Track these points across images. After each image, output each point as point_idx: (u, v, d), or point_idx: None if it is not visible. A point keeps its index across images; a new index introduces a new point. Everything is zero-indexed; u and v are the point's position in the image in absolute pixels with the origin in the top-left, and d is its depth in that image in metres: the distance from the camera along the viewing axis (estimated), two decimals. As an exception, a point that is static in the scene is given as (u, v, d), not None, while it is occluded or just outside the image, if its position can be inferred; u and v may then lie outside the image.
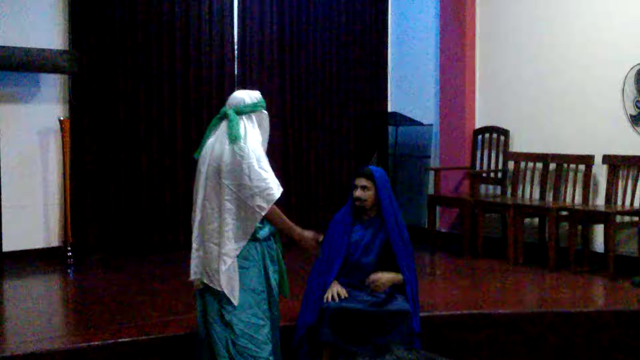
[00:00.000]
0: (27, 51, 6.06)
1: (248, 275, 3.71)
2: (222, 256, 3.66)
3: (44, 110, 6.39)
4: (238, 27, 7.20)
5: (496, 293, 5.62)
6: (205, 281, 3.72)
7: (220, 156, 3.70)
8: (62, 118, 6.34)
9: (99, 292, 5.40)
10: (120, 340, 4.06)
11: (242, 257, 3.70)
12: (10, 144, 6.20)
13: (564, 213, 6.24)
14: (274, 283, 3.84)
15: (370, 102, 8.15)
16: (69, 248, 6.33)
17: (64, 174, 6.36)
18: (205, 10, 6.99)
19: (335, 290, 4.12)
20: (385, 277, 4.11)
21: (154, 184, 6.81)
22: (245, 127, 3.74)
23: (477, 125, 7.39)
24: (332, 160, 7.84)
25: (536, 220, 6.67)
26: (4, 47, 5.99)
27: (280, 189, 3.70)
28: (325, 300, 4.10)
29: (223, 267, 3.66)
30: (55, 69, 6.21)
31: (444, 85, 7.56)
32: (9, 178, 6.18)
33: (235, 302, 3.67)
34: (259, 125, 3.83)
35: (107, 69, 6.59)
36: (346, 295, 4.11)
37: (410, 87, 8.05)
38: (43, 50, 6.14)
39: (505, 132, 7.12)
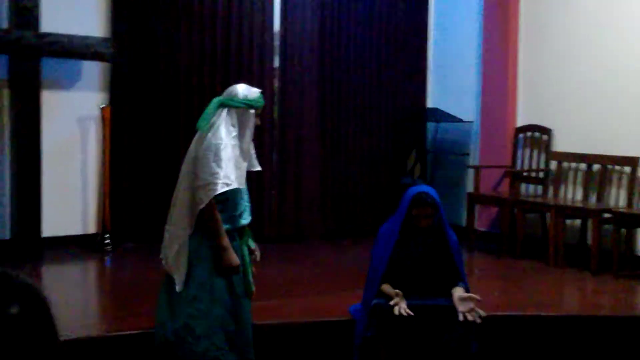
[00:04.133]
0: (70, 38, 6.07)
1: (197, 268, 3.74)
2: (171, 241, 3.77)
3: (85, 97, 6.41)
4: (279, 19, 7.16)
5: (537, 295, 5.51)
6: (162, 262, 3.82)
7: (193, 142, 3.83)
8: (103, 106, 6.35)
9: (137, 279, 5.40)
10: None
11: (194, 249, 3.74)
12: (52, 131, 6.21)
13: (607, 215, 6.12)
14: (237, 280, 3.81)
15: (410, 98, 8.05)
16: (107, 235, 6.34)
17: (103, 161, 6.37)
18: (247, 0, 6.95)
19: (404, 308, 4.01)
20: (464, 300, 4.05)
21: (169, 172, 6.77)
22: (221, 120, 3.77)
23: (519, 124, 7.26)
24: (371, 157, 7.75)
25: (578, 222, 6.54)
26: (47, 34, 6.00)
27: (228, 187, 3.67)
28: (395, 310, 4.01)
29: (170, 252, 3.76)
30: (96, 57, 6.22)
31: (485, 82, 7.44)
32: (50, 164, 6.20)
33: (178, 288, 3.72)
34: (239, 123, 3.82)
35: (148, 56, 6.58)
36: (412, 314, 4.00)
37: (451, 84, 7.94)
38: (85, 37, 6.15)
39: (547, 131, 6.99)
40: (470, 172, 7.41)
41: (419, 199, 4.20)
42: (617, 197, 6.36)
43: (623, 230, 6.05)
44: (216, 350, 3.74)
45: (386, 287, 4.16)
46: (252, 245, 4.01)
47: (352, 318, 4.40)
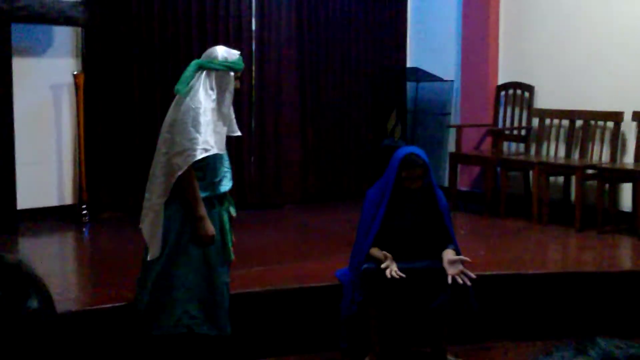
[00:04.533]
0: (41, 3, 5.86)
1: (178, 237, 3.67)
2: (147, 209, 3.69)
3: (58, 64, 6.21)
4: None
5: (522, 253, 5.50)
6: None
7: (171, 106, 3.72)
8: (76, 72, 6.17)
9: (117, 251, 5.29)
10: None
11: (171, 217, 3.66)
12: (24, 99, 6.01)
13: (591, 171, 6.08)
14: (213, 248, 3.72)
15: (389, 58, 7.93)
16: (84, 206, 6.21)
17: (78, 130, 6.21)
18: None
19: (395, 271, 3.96)
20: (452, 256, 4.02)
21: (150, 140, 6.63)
22: (200, 83, 3.66)
23: (500, 81, 7.18)
24: (351, 119, 7.64)
25: (561, 179, 6.51)
26: (16, -2, 5.79)
27: (207, 153, 3.58)
28: (387, 273, 3.95)
29: (146, 220, 3.68)
30: (68, 22, 6.02)
31: (465, 40, 7.33)
32: (23, 134, 6.01)
33: (150, 256, 3.65)
34: (218, 86, 3.71)
35: (121, 21, 6.38)
36: (403, 276, 3.95)
37: (431, 42, 7.81)
38: (57, 2, 5.93)
39: (529, 88, 6.92)
40: (452, 132, 7.33)
41: (409, 161, 4.12)
42: (601, 153, 6.32)
43: (607, 185, 6.02)
44: (189, 318, 3.68)
45: (375, 251, 4.09)
46: (233, 212, 3.91)
47: (340, 283, 4.34)
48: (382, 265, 3.95)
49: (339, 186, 7.53)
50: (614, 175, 5.98)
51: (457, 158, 7.02)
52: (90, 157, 6.30)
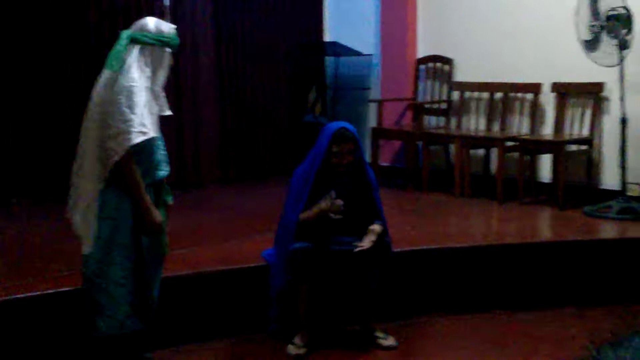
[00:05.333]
0: None
1: (114, 227, 3.37)
2: (77, 197, 3.37)
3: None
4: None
5: (445, 227, 5.48)
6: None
7: (98, 85, 3.35)
8: (-25, 50, 5.79)
9: (24, 239, 4.98)
10: (63, 289, 3.73)
11: (109, 206, 3.35)
12: None
13: (511, 143, 6.11)
14: (144, 240, 3.47)
15: (307, 33, 7.78)
16: (-11, 192, 5.85)
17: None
18: None
19: (333, 205, 3.93)
20: (375, 232, 4.00)
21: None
22: (133, 58, 3.33)
23: (420, 55, 7.14)
24: (270, 96, 7.47)
25: (482, 151, 6.53)
26: None
27: (144, 137, 3.29)
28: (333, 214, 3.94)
29: (76, 210, 3.36)
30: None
31: (384, 13, 7.25)
32: None
33: (86, 250, 3.36)
34: (153, 62, 3.39)
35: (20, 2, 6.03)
36: (341, 202, 3.95)
37: (349, 16, 7.69)
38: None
39: (449, 61, 6.90)
40: (373, 107, 7.26)
41: (341, 135, 4.02)
42: (520, 125, 6.36)
43: (527, 157, 6.06)
44: (131, 316, 3.44)
45: (305, 214, 3.99)
46: (170, 200, 3.64)
47: (267, 263, 4.20)
48: (332, 216, 3.93)
49: (260, 165, 7.38)
50: (533, 147, 6.02)
51: (379, 133, 6.96)
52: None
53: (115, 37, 3.44)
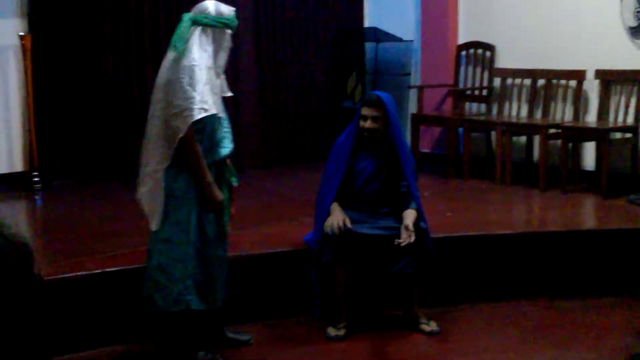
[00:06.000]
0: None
1: (177, 207, 3.45)
2: (145, 176, 3.46)
3: (3, 25, 5.90)
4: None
5: (487, 215, 5.44)
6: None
7: (163, 66, 3.46)
8: (22, 34, 5.87)
9: (73, 219, 5.08)
10: (107, 270, 3.79)
11: (173, 186, 3.43)
12: (-33, 63, 5.72)
13: (554, 131, 6.05)
14: (206, 221, 3.53)
15: (347, 19, 7.75)
16: (35, 173, 5.95)
17: (27, 93, 5.92)
18: None
19: (338, 220, 3.91)
20: (411, 222, 3.93)
21: (123, 104, 6.40)
22: (196, 39, 3.43)
23: (461, 41, 7.08)
24: (310, 82, 7.47)
25: (524, 139, 6.47)
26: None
27: (205, 113, 3.36)
28: (325, 228, 3.93)
29: (144, 189, 3.45)
30: (12, -20, 5.72)
31: (425, -1, 7.20)
32: (-33, 99, 5.74)
33: (154, 227, 3.44)
34: (214, 43, 3.49)
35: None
36: (349, 226, 3.92)
37: (389, 2, 7.65)
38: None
39: (490, 48, 6.83)
40: (413, 93, 7.22)
41: (368, 98, 4.12)
42: (563, 112, 6.29)
43: (570, 145, 6.00)
44: (187, 294, 3.49)
45: (335, 207, 4.00)
46: (234, 182, 3.69)
47: (309, 247, 4.22)
48: (326, 224, 3.92)
49: (299, 150, 7.40)
50: (577, 134, 5.95)
51: (419, 119, 6.93)
52: (40, 122, 6.03)
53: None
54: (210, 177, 3.47)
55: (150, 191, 3.45)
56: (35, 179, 5.94)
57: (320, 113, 7.55)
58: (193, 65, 3.37)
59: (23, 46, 5.85)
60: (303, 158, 7.35)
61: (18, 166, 6.08)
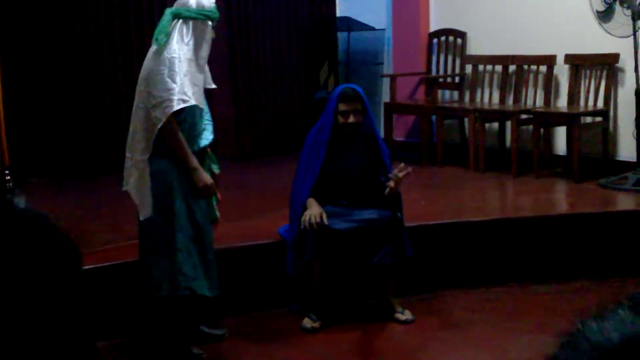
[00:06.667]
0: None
1: (167, 195, 3.52)
2: (130, 168, 3.54)
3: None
4: None
5: (461, 201, 5.49)
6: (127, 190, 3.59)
7: (146, 59, 3.54)
8: (-11, 30, 5.80)
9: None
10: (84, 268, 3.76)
11: (162, 175, 3.51)
12: None
13: (526, 116, 6.09)
14: (196, 207, 3.58)
15: (318, 8, 7.74)
16: (7, 171, 5.89)
17: (-4, 91, 5.86)
18: None
19: (315, 214, 3.91)
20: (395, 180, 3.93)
21: (94, 101, 6.35)
22: (176, 32, 3.49)
23: (432, 28, 7.09)
24: (282, 73, 7.45)
25: (496, 125, 6.51)
26: None
27: (184, 104, 3.43)
28: (302, 222, 3.91)
29: (131, 179, 3.53)
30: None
31: (396, -13, 7.21)
32: None
33: (143, 215, 3.51)
34: (195, 35, 3.54)
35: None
36: (325, 222, 3.92)
37: (359, -10, 7.66)
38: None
39: (462, 35, 6.86)
40: (386, 82, 7.24)
41: (345, 93, 4.10)
42: (535, 98, 6.33)
43: (542, 130, 6.05)
44: (186, 281, 3.52)
45: (311, 202, 4.00)
46: (216, 169, 3.78)
47: (282, 239, 4.23)
48: (303, 219, 3.91)
49: (273, 141, 7.38)
50: (548, 119, 6.00)
51: (392, 108, 6.95)
52: (10, 119, 5.95)
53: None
54: (196, 163, 3.53)
55: (136, 182, 3.51)
56: (7, 177, 5.87)
57: (293, 104, 7.54)
58: (173, 57, 3.44)
59: (-9, 44, 5.77)
60: (278, 149, 7.33)
61: (-11, 165, 6.01)
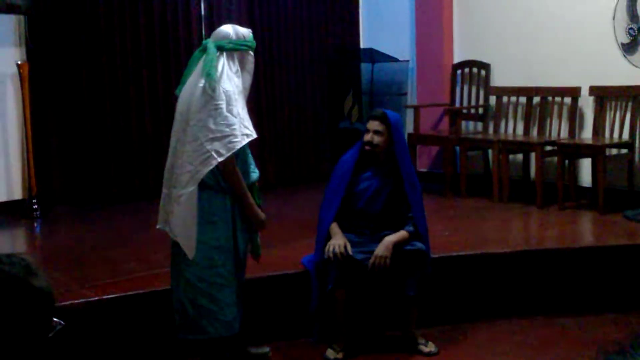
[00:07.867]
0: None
1: (215, 230, 3.45)
2: (173, 202, 3.41)
3: (0, 54, 5.96)
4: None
5: (485, 233, 5.46)
6: (165, 229, 3.48)
7: (192, 94, 3.41)
8: (20, 62, 5.91)
9: (73, 246, 5.09)
10: (105, 297, 3.79)
11: (208, 210, 3.42)
12: (-35, 91, 5.77)
13: (550, 148, 6.07)
14: (241, 242, 3.56)
15: (342, 39, 7.81)
16: (34, 200, 5.98)
17: (25, 121, 5.96)
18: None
19: (339, 245, 3.91)
20: (385, 245, 3.92)
21: (120, 128, 6.44)
22: (223, 66, 3.44)
23: (456, 60, 7.13)
24: (306, 103, 7.52)
25: (520, 156, 6.49)
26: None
27: (249, 139, 3.41)
28: (326, 252, 3.91)
29: (176, 216, 3.41)
30: (10, 9, 5.77)
31: (420, 19, 7.25)
32: (-34, 128, 5.78)
33: (190, 255, 3.41)
34: (241, 67, 3.53)
35: (65, 7, 6.15)
36: (350, 252, 3.91)
37: (384, 22, 7.71)
38: (-4, -12, 5.69)
39: (485, 66, 6.88)
40: (409, 112, 7.25)
41: (373, 112, 4.16)
42: (559, 129, 6.32)
43: (566, 161, 6.02)
44: (239, 317, 3.54)
45: (334, 227, 4.00)
46: (260, 203, 3.72)
47: (306, 269, 4.23)
48: (327, 248, 3.90)
49: (297, 171, 7.42)
50: (573, 151, 5.98)
51: (416, 139, 6.96)
52: (38, 150, 6.07)
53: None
54: (252, 199, 3.52)
55: (179, 217, 3.41)
56: (34, 207, 5.96)
57: (317, 134, 7.58)
58: (228, 90, 3.39)
59: (20, 74, 5.89)
60: (301, 179, 7.37)
61: (17, 194, 6.10)
